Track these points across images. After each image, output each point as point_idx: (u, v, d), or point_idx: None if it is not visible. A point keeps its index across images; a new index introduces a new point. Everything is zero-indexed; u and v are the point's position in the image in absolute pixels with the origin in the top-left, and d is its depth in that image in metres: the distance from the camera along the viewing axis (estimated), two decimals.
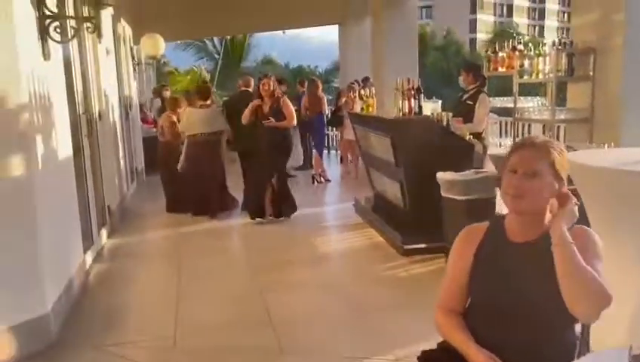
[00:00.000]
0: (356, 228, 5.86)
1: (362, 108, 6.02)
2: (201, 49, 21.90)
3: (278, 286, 4.33)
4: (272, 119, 5.86)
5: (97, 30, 3.82)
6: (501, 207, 4.86)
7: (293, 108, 6.16)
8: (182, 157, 6.60)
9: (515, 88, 5.16)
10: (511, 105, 5.50)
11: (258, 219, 6.08)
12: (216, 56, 22.16)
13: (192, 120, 6.57)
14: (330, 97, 13.67)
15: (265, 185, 6.01)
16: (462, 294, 1.76)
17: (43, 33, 3.53)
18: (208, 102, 6.73)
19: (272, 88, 5.92)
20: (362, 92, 6.22)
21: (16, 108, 3.07)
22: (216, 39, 21.50)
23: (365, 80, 10.09)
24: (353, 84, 9.46)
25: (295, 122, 6.27)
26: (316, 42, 59.58)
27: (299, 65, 30.59)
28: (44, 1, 3.50)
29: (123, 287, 4.41)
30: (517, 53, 5.07)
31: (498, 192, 4.43)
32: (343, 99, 9.23)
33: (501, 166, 1.69)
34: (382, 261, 4.79)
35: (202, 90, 7.02)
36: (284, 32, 19.02)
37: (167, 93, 11.34)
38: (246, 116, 5.97)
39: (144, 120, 10.77)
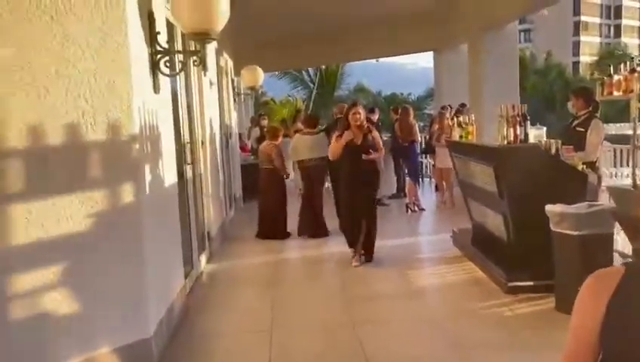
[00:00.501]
0: (454, 261, 5.60)
1: (461, 136, 5.81)
2: (297, 78, 22.56)
3: (373, 319, 4.21)
4: (372, 152, 5.64)
5: (203, 63, 3.99)
6: (617, 244, 4.47)
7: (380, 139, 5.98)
8: (300, 182, 7.31)
9: (635, 113, 4.71)
10: (627, 131, 5.05)
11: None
12: (311, 85, 22.71)
13: (299, 146, 7.03)
14: (422, 124, 13.46)
15: (360, 220, 5.67)
16: (592, 352, 1.53)
17: (154, 68, 3.73)
18: (315, 130, 7.23)
19: (362, 119, 5.64)
20: (461, 119, 6.01)
21: (128, 138, 3.24)
22: (310, 68, 22.07)
23: (462, 106, 9.80)
24: (444, 109, 9.19)
25: (384, 153, 6.11)
26: (409, 69, 59.44)
27: (392, 93, 30.44)
28: (157, 38, 3.71)
29: (220, 313, 4.48)
30: (636, 75, 4.65)
31: (617, 228, 4.08)
32: (436, 126, 8.98)
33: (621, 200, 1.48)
34: (483, 298, 4.52)
35: (310, 118, 7.66)
36: (377, 60, 19.08)
37: (265, 122, 11.77)
38: (336, 152, 5.69)
39: (242, 148, 11.18)
